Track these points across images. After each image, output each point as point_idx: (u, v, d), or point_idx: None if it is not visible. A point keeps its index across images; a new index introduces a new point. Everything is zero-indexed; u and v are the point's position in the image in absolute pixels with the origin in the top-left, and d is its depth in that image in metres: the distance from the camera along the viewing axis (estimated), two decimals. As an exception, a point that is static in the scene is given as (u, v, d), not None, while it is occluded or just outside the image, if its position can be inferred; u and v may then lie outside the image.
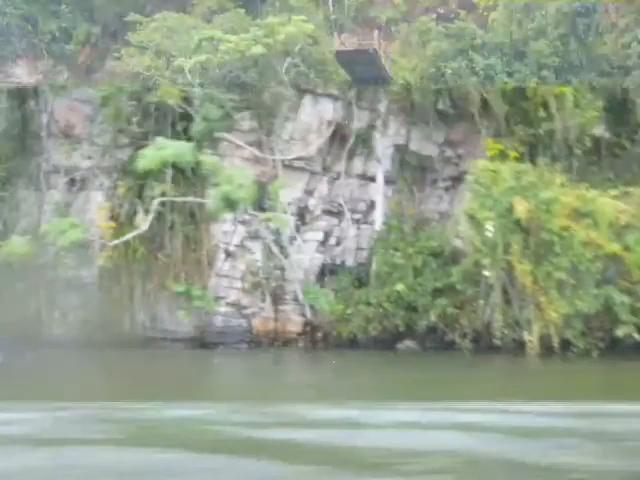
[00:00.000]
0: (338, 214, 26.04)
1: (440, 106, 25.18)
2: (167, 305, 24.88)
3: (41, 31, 31.29)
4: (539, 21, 27.66)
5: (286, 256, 25.06)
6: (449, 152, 26.13)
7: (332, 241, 25.92)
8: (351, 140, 25.66)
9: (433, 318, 23.95)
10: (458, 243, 24.39)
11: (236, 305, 25.06)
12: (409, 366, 22.23)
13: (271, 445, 11.30)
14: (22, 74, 30.54)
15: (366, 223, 26.09)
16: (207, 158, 23.47)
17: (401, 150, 25.92)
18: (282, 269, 25.13)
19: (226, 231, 25.04)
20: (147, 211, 24.12)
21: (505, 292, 22.94)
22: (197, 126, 24.05)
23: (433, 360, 22.92)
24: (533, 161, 24.06)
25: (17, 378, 19.46)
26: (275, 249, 25.06)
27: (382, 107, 25.63)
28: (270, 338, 25.10)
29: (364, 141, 25.83)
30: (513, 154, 24.14)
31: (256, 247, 25.19)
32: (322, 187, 25.93)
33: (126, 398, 17.24)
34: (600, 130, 24.74)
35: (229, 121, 24.83)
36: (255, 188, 23.39)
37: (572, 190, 23.13)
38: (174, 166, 23.46)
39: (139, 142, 24.52)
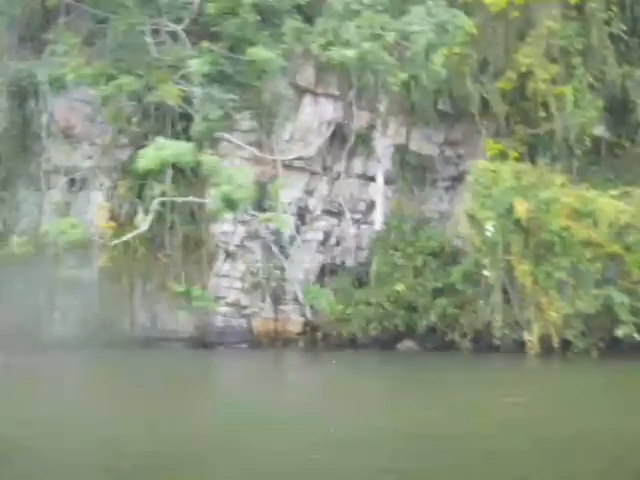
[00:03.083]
0: (338, 214, 26.02)
1: (440, 106, 25.20)
2: (167, 305, 24.89)
3: None
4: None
5: (286, 256, 25.06)
6: (449, 152, 26.11)
7: (332, 241, 25.90)
8: (351, 140, 25.64)
9: (433, 318, 23.94)
10: (458, 243, 24.42)
11: (236, 305, 25.05)
12: (409, 366, 22.24)
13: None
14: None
15: (366, 223, 26.06)
16: (207, 158, 23.47)
17: (401, 150, 25.90)
18: (282, 269, 25.12)
19: (226, 231, 25.03)
20: (147, 211, 24.11)
21: (505, 292, 22.94)
22: (197, 126, 24.04)
23: (433, 360, 22.92)
24: (533, 161, 24.07)
25: (17, 378, 19.46)
26: (275, 249, 25.05)
27: (382, 107, 25.62)
28: (270, 338, 25.10)
29: (364, 141, 25.81)
30: (513, 154, 24.15)
31: (256, 247, 25.18)
32: (322, 187, 25.92)
33: (126, 397, 17.28)
34: (600, 130, 24.75)
35: (229, 121, 24.82)
36: (255, 188, 23.39)
37: (572, 190, 23.13)
38: (174, 166, 23.45)
39: (139, 142, 24.52)
